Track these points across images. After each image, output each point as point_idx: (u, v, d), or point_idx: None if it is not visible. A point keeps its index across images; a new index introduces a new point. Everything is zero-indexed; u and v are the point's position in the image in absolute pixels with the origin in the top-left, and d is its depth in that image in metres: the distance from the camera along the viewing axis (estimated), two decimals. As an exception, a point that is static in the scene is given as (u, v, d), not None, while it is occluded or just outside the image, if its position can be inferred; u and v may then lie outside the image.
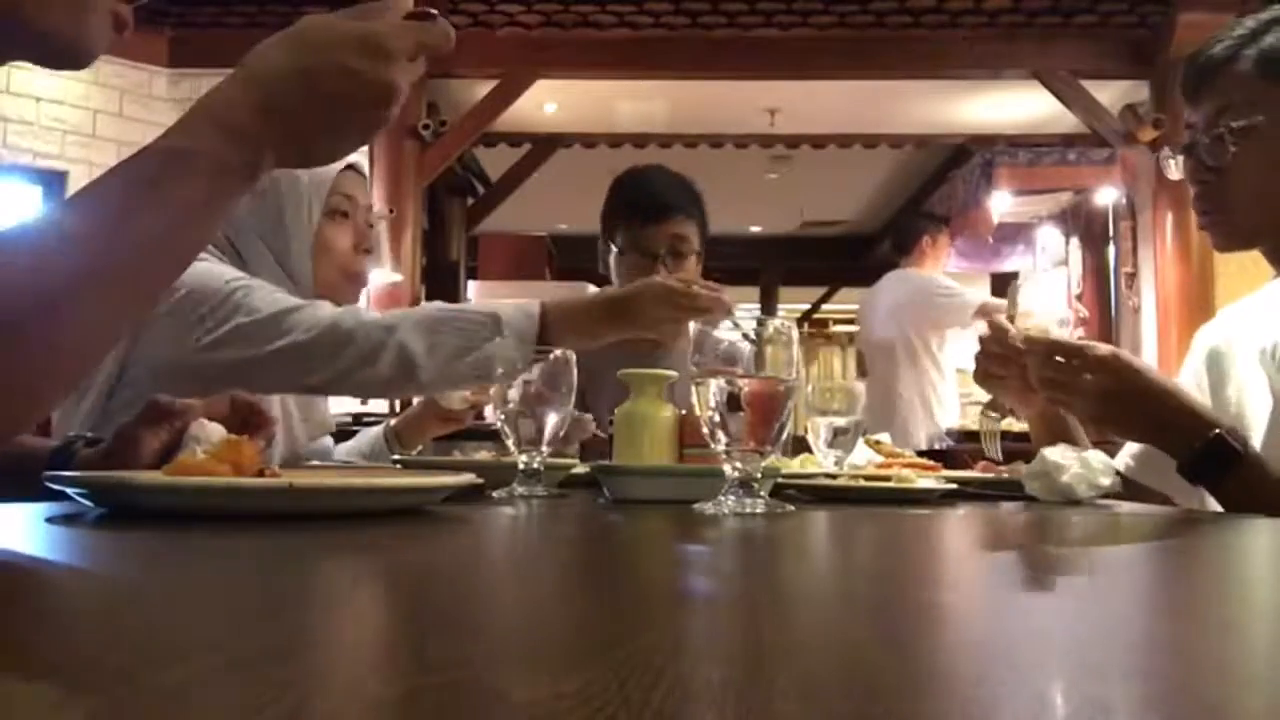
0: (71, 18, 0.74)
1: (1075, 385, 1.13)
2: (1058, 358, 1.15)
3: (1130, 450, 1.32)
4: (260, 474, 0.76)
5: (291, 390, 1.39)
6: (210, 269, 1.28)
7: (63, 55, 0.76)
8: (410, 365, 1.20)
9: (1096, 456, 1.09)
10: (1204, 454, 1.05)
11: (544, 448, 1.06)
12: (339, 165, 1.48)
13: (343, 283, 1.49)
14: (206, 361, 1.21)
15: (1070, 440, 1.26)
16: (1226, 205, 1.20)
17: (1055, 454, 1.08)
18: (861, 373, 4.22)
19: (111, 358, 1.25)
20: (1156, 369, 1.15)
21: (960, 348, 4.03)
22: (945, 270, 4.20)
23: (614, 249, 2.02)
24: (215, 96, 0.70)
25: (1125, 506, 1.08)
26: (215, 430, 0.91)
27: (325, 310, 1.26)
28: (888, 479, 1.15)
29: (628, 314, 1.29)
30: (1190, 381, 1.30)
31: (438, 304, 1.33)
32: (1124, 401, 1.11)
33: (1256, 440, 1.12)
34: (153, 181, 0.66)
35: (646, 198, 2.00)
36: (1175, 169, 1.25)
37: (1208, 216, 1.22)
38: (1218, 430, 1.06)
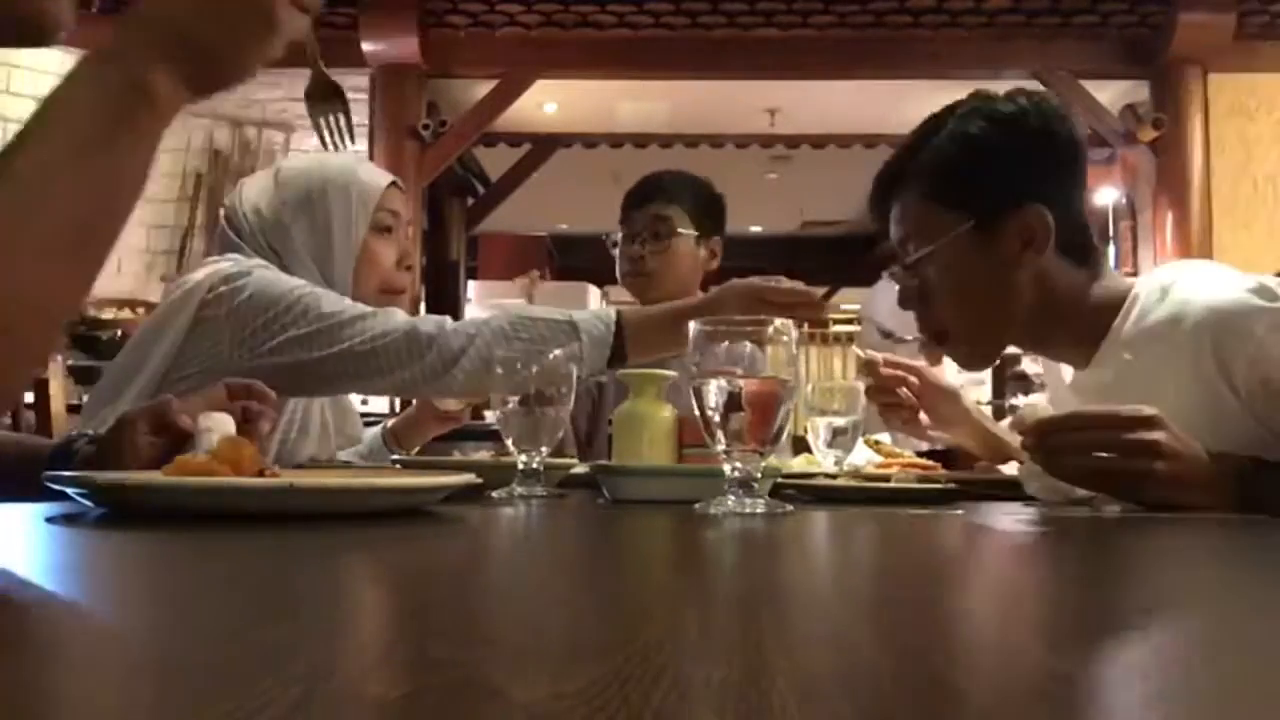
0: None
1: (1140, 469, 0.93)
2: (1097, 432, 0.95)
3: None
4: (260, 474, 0.76)
5: (363, 391, 1.42)
6: (277, 277, 1.32)
7: (28, 30, 0.75)
8: (490, 369, 1.22)
9: None
10: (1249, 491, 0.95)
11: (543, 448, 1.06)
12: (383, 179, 1.52)
13: (381, 297, 1.49)
14: (267, 365, 1.24)
15: (1010, 454, 1.27)
16: (942, 331, 1.18)
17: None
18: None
19: (160, 355, 1.26)
20: (1196, 446, 0.95)
21: None
22: None
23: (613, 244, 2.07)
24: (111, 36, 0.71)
25: (1124, 506, 1.08)
26: (223, 420, 0.92)
27: (399, 317, 1.30)
28: (887, 479, 1.15)
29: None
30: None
31: (518, 307, 1.35)
32: (1186, 480, 0.94)
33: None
34: (49, 131, 0.65)
35: (636, 187, 2.06)
36: (895, 286, 1.23)
37: (937, 344, 1.20)
38: (1246, 462, 0.96)
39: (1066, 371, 1.23)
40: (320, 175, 1.48)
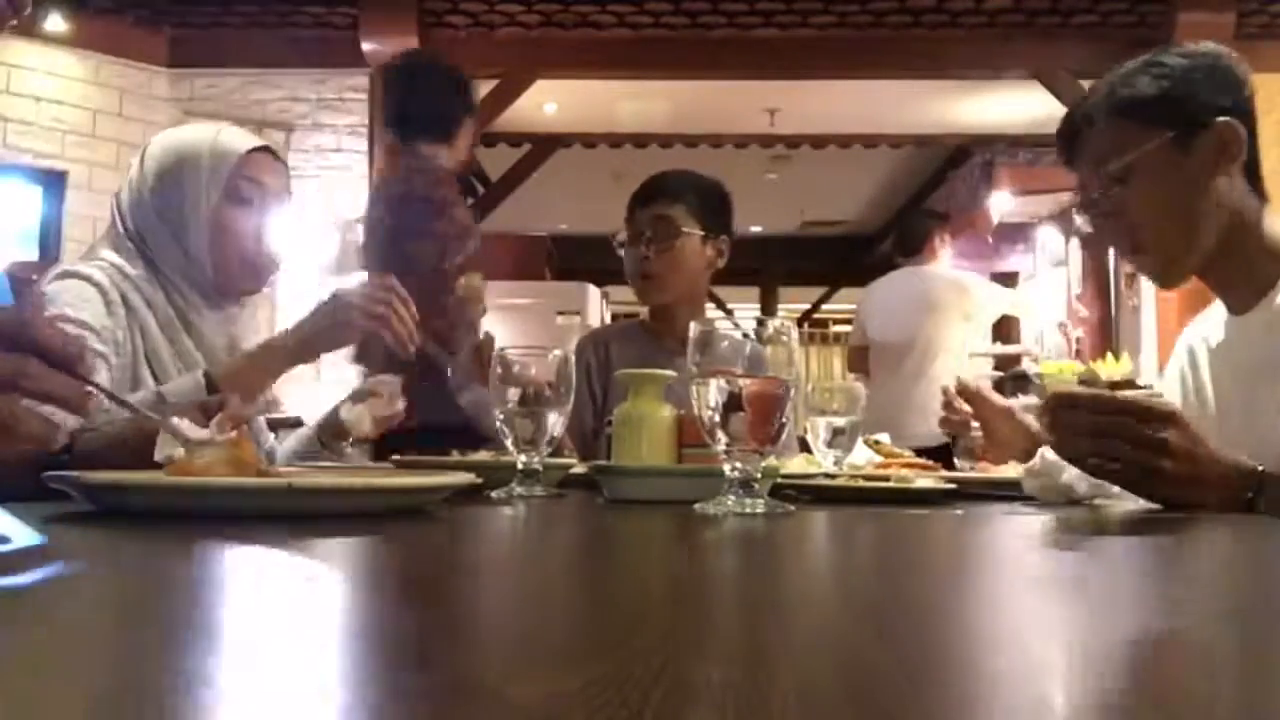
0: None
1: (1145, 464, 0.96)
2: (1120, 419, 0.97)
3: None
4: (260, 474, 0.76)
5: None
6: (59, 294, 1.31)
7: None
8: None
9: None
10: (1256, 497, 0.97)
11: (543, 448, 1.06)
12: (242, 146, 1.46)
13: (242, 270, 1.46)
14: None
15: None
16: (1141, 243, 1.25)
17: (1055, 454, 1.06)
18: (854, 372, 4.16)
19: None
20: (1208, 445, 0.98)
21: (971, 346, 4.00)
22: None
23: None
24: None
25: (1124, 506, 1.08)
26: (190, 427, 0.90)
27: None
28: (887, 479, 1.15)
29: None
30: (1175, 379, 1.34)
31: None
32: (1193, 481, 0.96)
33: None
34: None
35: (641, 187, 2.03)
36: (1085, 226, 1.30)
37: (1134, 258, 1.28)
38: (1259, 469, 0.98)
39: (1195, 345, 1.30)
40: (177, 145, 1.45)
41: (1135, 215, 1.22)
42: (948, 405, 1.56)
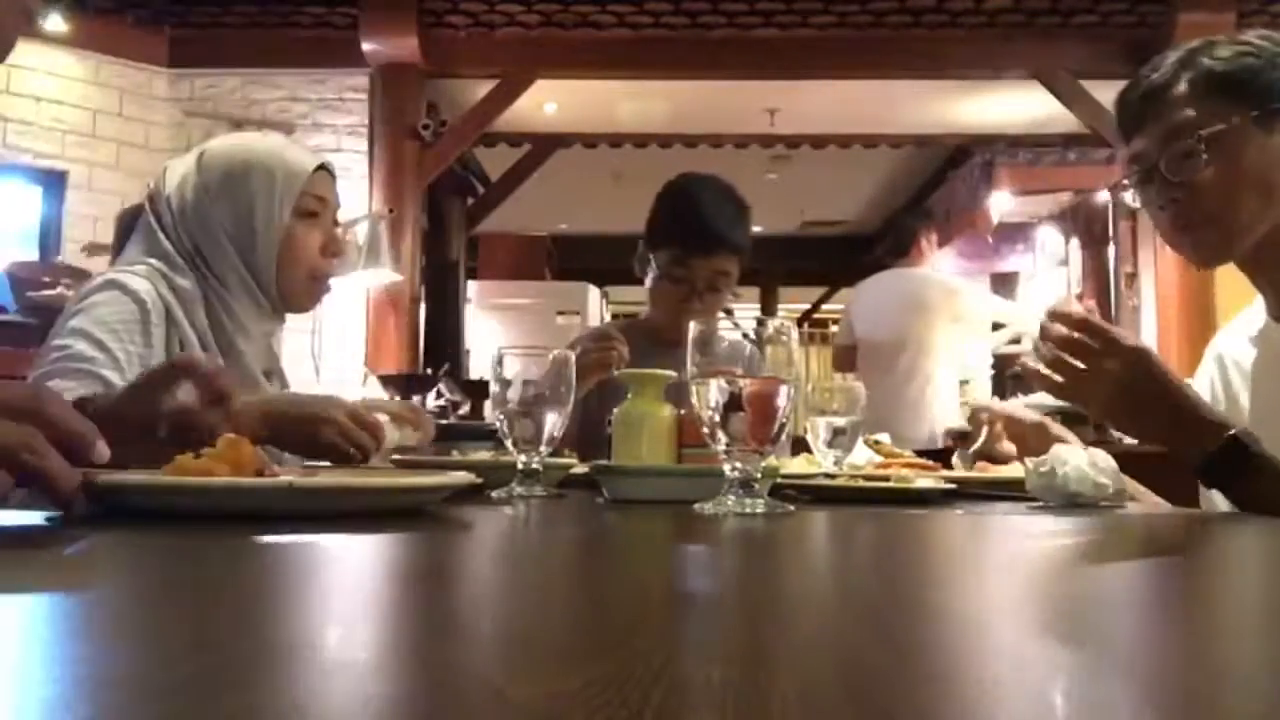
0: None
1: (1094, 371, 1.10)
2: (1082, 336, 1.12)
3: None
4: (260, 474, 0.76)
5: None
6: (106, 307, 1.28)
7: None
8: None
9: (1101, 457, 1.07)
10: (1219, 456, 1.05)
11: (543, 448, 1.06)
12: (310, 162, 1.46)
13: (308, 284, 1.46)
14: None
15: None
16: (1203, 217, 1.22)
17: (1060, 453, 1.06)
18: (838, 371, 4.17)
19: None
20: (1177, 373, 1.13)
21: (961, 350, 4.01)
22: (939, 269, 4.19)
23: (652, 268, 1.93)
24: None
25: (1126, 507, 1.08)
26: None
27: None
28: (887, 479, 1.15)
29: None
30: (1204, 388, 1.33)
31: None
32: (1141, 398, 1.10)
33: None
34: None
35: (696, 227, 1.86)
36: (1133, 199, 1.28)
37: (1188, 234, 1.24)
38: (1233, 431, 1.06)
39: (1239, 341, 1.29)
40: (244, 156, 1.42)
41: (1207, 190, 1.19)
42: (974, 430, 1.47)
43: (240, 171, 1.40)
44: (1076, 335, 1.11)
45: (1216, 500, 1.14)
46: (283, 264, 1.42)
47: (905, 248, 3.98)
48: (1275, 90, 1.18)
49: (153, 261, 1.36)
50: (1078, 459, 1.05)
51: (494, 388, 1.09)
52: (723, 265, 1.86)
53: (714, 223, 1.85)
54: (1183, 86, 1.21)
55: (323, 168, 1.49)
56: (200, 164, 1.42)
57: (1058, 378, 1.12)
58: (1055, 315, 1.15)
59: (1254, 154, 1.18)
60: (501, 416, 1.07)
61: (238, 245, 1.40)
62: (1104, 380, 1.10)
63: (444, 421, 4.02)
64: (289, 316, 1.54)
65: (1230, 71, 1.19)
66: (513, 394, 1.07)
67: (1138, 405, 1.10)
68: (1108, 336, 1.11)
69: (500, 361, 1.09)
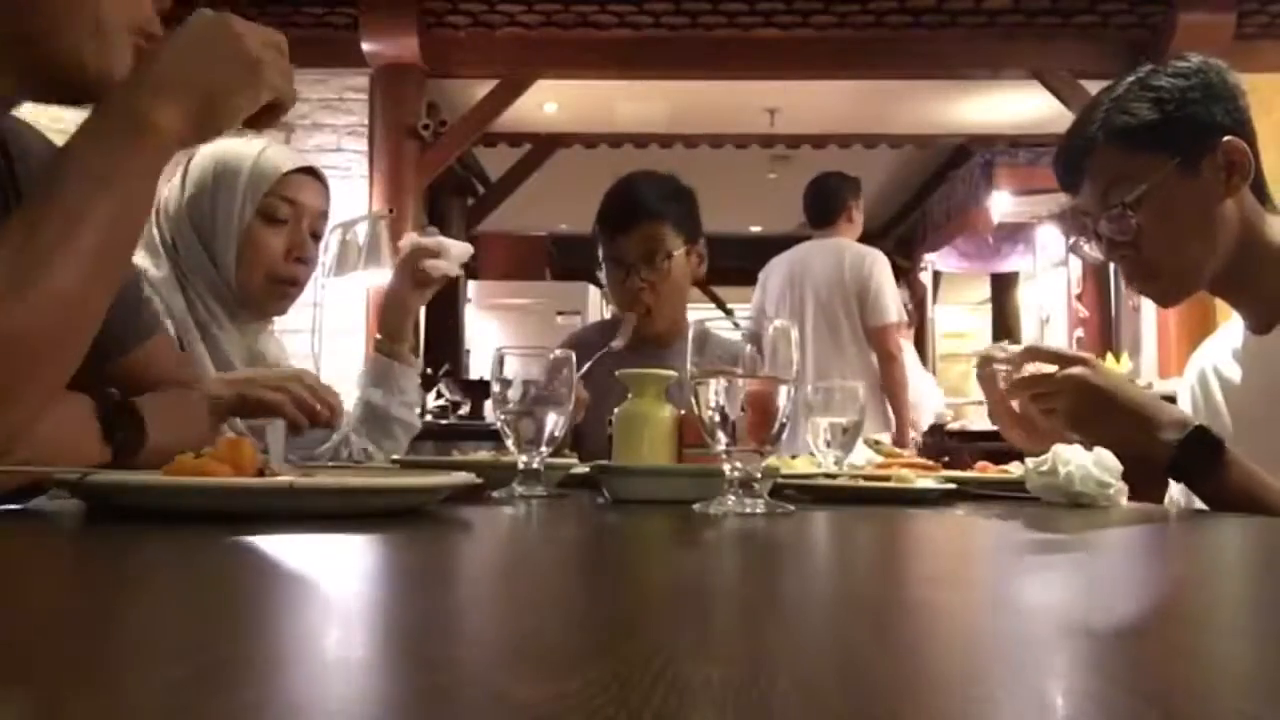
0: (93, 45, 0.82)
1: (1055, 405, 1.17)
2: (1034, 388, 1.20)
3: None
4: (260, 474, 0.76)
5: None
6: None
7: (82, 85, 0.83)
8: None
9: (1104, 456, 1.07)
10: (1187, 446, 1.07)
11: (543, 448, 1.06)
12: (284, 165, 1.46)
13: (266, 285, 1.46)
14: None
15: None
16: (1154, 270, 1.24)
17: (1062, 452, 1.06)
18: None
19: None
20: (1127, 383, 1.19)
21: None
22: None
23: (599, 260, 1.97)
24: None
25: (1125, 507, 1.08)
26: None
27: None
28: (887, 479, 1.15)
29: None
30: (1186, 402, 1.35)
31: None
32: (1095, 413, 1.14)
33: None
34: (73, 166, 0.76)
35: (617, 207, 1.91)
36: (1093, 251, 1.29)
37: (1144, 285, 1.27)
38: (1199, 424, 1.08)
39: (1225, 350, 1.31)
40: (220, 156, 1.46)
41: (1149, 245, 1.21)
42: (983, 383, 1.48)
43: (212, 170, 1.45)
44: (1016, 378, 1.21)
45: (1181, 503, 1.16)
46: (241, 263, 1.44)
47: (832, 216, 3.88)
48: (1192, 129, 1.17)
49: (136, 254, 1.41)
50: (1080, 458, 1.04)
51: (494, 388, 1.09)
52: (649, 233, 1.86)
53: (635, 196, 1.90)
54: (1106, 149, 1.21)
55: (310, 173, 1.50)
56: (188, 164, 1.48)
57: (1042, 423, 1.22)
58: (984, 361, 1.25)
59: (1185, 199, 1.18)
60: (502, 416, 1.07)
61: (204, 241, 1.44)
62: (1063, 412, 1.16)
63: (444, 422, 4.03)
64: (289, 317, 1.54)
65: (1146, 125, 1.18)
66: (513, 394, 1.07)
67: (1096, 421, 1.14)
68: (1038, 378, 1.18)
69: (500, 361, 1.09)
